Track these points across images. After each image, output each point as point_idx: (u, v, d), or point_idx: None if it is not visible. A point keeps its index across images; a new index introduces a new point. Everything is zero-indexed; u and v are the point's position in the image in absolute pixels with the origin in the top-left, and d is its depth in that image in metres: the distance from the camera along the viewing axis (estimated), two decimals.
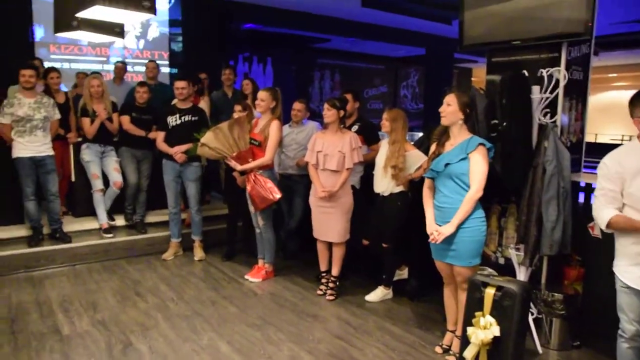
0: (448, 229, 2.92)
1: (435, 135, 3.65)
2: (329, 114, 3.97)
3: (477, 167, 2.90)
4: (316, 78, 12.77)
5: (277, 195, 4.23)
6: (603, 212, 2.46)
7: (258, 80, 9.41)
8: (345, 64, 13.21)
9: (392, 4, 8.79)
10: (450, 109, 2.98)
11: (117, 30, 4.60)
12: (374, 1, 8.57)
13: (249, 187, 4.27)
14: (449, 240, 2.98)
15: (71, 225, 5.17)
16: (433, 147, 3.19)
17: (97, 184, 5.10)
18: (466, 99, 3.00)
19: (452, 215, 2.95)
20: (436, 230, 2.97)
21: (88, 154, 5.10)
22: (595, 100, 15.54)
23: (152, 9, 3.57)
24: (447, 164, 2.96)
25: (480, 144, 2.93)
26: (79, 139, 5.20)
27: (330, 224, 4.05)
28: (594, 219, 2.55)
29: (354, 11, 8.94)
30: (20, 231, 4.90)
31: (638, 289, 2.41)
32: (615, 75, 15.24)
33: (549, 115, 3.42)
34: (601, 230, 2.65)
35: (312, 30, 10.39)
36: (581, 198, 3.74)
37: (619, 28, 9.54)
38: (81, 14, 3.76)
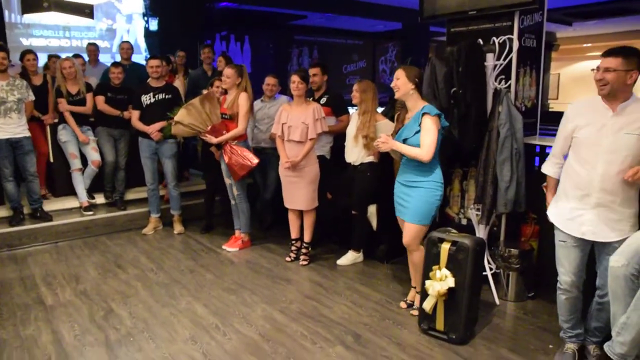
0: (391, 142, 3.11)
1: (399, 104, 3.83)
2: (302, 87, 4.09)
3: (423, 133, 3.07)
4: (294, 55, 12.76)
5: (255, 160, 4.36)
6: (546, 165, 2.86)
7: (236, 58, 9.44)
8: (323, 40, 13.19)
9: None
10: (399, 82, 3.17)
11: (87, 11, 4.66)
12: None
13: (226, 158, 4.38)
14: (405, 196, 3.22)
15: (52, 204, 5.28)
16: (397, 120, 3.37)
17: (76, 163, 5.21)
18: (414, 71, 3.18)
19: (412, 176, 3.16)
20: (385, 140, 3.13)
21: (65, 134, 5.18)
22: (570, 70, 15.75)
23: None
24: (405, 139, 3.14)
25: (424, 113, 3.08)
26: (55, 120, 5.28)
27: (297, 192, 4.22)
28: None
29: None
30: (0, 212, 4.99)
31: (567, 232, 2.65)
32: (589, 45, 15.37)
33: (503, 81, 3.60)
34: None
35: (287, 7, 10.41)
36: (537, 161, 3.95)
37: None
38: None
